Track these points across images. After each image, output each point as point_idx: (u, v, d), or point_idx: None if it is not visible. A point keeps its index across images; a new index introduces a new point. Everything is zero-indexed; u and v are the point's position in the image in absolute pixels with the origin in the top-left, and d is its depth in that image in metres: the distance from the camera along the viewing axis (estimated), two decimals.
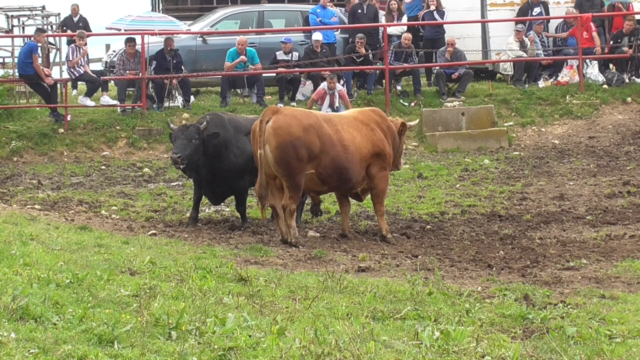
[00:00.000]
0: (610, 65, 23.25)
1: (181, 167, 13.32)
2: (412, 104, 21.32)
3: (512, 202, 15.23)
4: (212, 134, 13.12)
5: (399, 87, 22.28)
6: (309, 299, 8.63)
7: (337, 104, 19.59)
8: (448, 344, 7.23)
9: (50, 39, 23.20)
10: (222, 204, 14.41)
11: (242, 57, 20.90)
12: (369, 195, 13.11)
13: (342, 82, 21.00)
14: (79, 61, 20.00)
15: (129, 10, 25.23)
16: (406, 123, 13.60)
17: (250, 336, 7.04)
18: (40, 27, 22.92)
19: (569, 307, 8.93)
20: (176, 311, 7.47)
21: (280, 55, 21.45)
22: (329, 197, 14.72)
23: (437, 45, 22.38)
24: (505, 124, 20.92)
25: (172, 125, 13.87)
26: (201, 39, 22.32)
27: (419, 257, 11.76)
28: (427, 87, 22.65)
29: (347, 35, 22.69)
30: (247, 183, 13.47)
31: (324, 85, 20.00)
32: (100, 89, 20.63)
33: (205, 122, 13.21)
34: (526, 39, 22.18)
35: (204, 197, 13.81)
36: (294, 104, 20.61)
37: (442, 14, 22.73)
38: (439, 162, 18.88)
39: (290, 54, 21.48)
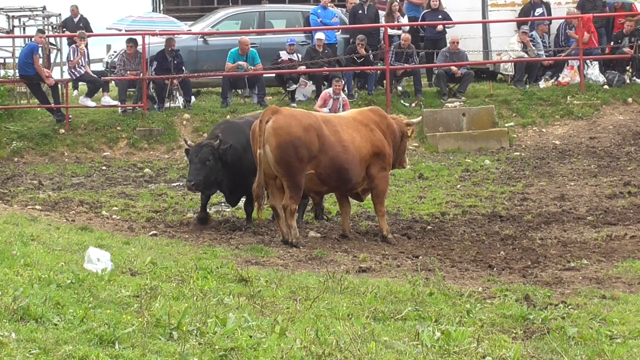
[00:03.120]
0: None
1: (197, 191, 13.26)
2: (413, 105, 21.32)
3: (513, 203, 15.24)
4: (227, 148, 13.03)
5: (399, 88, 22.27)
6: (309, 299, 8.64)
7: (340, 110, 19.55)
8: (449, 345, 7.23)
9: (51, 40, 23.19)
10: (222, 204, 14.40)
11: (243, 63, 20.83)
12: (369, 196, 13.11)
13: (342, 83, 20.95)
14: (80, 61, 19.99)
15: (130, 11, 25.26)
16: (410, 121, 13.65)
17: (251, 337, 7.04)
18: (41, 28, 22.92)
19: (569, 307, 8.94)
20: (177, 312, 7.47)
21: (283, 55, 21.46)
22: (330, 198, 14.72)
23: (438, 45, 22.40)
24: (506, 125, 20.92)
25: (189, 142, 13.77)
26: (202, 39, 22.32)
27: (420, 257, 11.76)
28: (428, 88, 22.65)
29: (347, 36, 22.70)
30: None
31: (329, 90, 19.93)
32: (101, 90, 20.62)
33: (218, 141, 13.08)
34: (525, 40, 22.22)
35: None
36: (294, 104, 20.60)
37: (445, 14, 22.79)
38: (439, 162, 18.89)
39: (293, 54, 21.49)
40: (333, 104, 19.53)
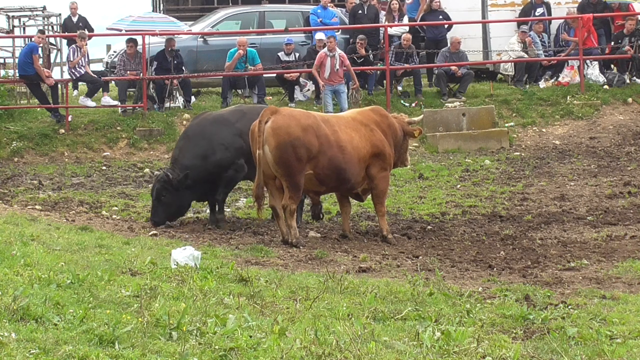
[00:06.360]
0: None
1: (161, 226, 13.29)
2: (413, 105, 21.33)
3: (513, 203, 15.24)
4: (181, 179, 13.06)
5: (399, 88, 22.28)
6: (309, 299, 8.64)
7: (337, 67, 19.61)
8: (449, 345, 7.23)
9: (51, 40, 23.19)
10: (224, 204, 14.37)
11: (240, 51, 20.82)
12: (369, 196, 13.11)
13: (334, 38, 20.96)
14: (80, 62, 20.00)
15: (130, 11, 25.27)
16: (412, 120, 13.67)
17: (251, 337, 7.04)
18: (41, 28, 22.92)
19: (569, 307, 8.93)
20: (177, 312, 7.47)
21: (282, 56, 21.48)
22: (330, 198, 14.72)
23: (440, 46, 22.41)
24: (506, 125, 20.92)
25: (155, 172, 13.87)
26: (202, 39, 22.32)
27: (420, 257, 11.76)
28: (428, 88, 22.66)
29: (347, 36, 22.70)
30: (235, 174, 13.43)
31: (324, 49, 19.99)
32: (101, 90, 20.63)
33: (166, 175, 13.10)
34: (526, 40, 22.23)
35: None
36: (293, 104, 20.61)
37: (445, 15, 22.81)
38: (439, 162, 18.89)
39: (291, 54, 21.50)
40: (330, 62, 19.59)
